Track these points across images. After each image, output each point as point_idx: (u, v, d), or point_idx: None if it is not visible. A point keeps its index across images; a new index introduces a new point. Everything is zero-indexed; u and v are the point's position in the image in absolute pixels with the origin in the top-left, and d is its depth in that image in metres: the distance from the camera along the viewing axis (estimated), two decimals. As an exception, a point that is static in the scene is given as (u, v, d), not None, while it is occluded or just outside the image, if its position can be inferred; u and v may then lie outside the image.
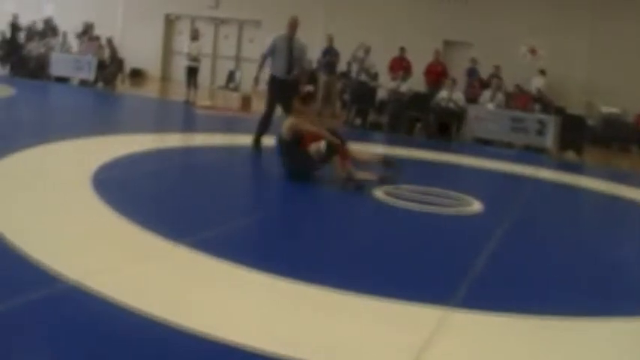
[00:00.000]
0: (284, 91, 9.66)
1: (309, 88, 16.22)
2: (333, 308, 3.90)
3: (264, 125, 9.69)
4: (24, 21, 21.17)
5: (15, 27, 20.68)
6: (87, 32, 20.56)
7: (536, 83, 16.81)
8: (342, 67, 17.19)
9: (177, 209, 6.09)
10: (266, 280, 4.19)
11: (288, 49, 9.65)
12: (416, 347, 3.41)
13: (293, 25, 9.75)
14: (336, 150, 7.62)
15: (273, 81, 9.75)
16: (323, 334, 3.52)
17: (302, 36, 9.88)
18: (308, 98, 8.73)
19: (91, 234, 4.87)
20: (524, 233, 6.62)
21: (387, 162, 8.38)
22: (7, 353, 2.95)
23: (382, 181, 7.83)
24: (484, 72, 17.40)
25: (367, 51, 16.22)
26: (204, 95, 17.90)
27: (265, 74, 9.89)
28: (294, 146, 7.74)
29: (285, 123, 7.92)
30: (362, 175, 7.78)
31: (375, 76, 16.55)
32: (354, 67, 16.28)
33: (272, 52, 9.72)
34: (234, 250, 4.71)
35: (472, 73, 17.22)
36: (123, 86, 19.35)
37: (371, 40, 17.20)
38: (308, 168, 7.78)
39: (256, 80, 10.04)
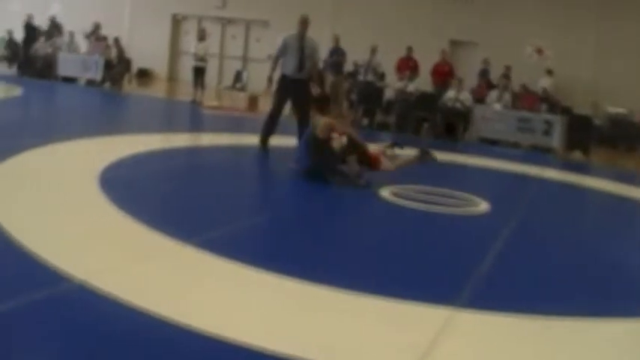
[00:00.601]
0: (295, 90, 9.69)
1: (315, 89, 16.29)
2: (338, 308, 3.90)
3: (271, 126, 9.67)
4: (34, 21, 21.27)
5: (29, 27, 20.78)
6: (94, 32, 20.62)
7: (543, 83, 16.77)
8: (348, 66, 17.18)
9: (183, 209, 6.10)
10: (271, 279, 4.19)
11: (300, 47, 9.62)
12: (421, 347, 3.41)
13: (304, 24, 9.73)
14: (355, 148, 7.75)
15: (284, 80, 9.74)
16: (327, 334, 3.53)
17: (313, 39, 9.88)
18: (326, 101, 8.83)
19: (98, 233, 4.89)
20: (530, 233, 6.62)
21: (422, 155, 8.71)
22: (11, 352, 2.97)
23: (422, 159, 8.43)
24: (491, 72, 17.39)
25: (374, 51, 16.22)
26: (212, 95, 17.92)
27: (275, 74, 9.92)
28: (325, 145, 7.74)
29: (320, 122, 7.87)
30: (399, 161, 7.92)
31: (382, 76, 16.55)
32: (362, 70, 16.30)
33: (283, 51, 9.70)
34: (240, 250, 4.72)
35: (484, 73, 17.15)
36: (130, 86, 19.40)
37: (377, 39, 17.21)
38: (333, 166, 7.76)
39: (269, 80, 10.04)
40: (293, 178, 8.00)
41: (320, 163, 7.73)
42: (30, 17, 21.00)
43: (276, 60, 9.87)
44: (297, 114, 9.92)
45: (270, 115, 9.78)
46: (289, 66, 9.65)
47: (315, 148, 7.75)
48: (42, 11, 22.14)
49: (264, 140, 9.67)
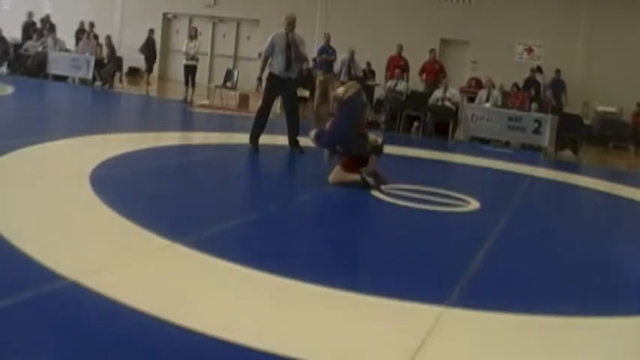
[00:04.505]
0: (284, 89, 9.75)
1: (301, 91, 16.22)
2: (330, 306, 3.91)
3: (260, 124, 9.66)
4: (23, 19, 21.19)
5: (28, 25, 20.80)
6: (84, 31, 20.55)
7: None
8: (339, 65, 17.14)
9: (175, 208, 6.10)
10: (263, 278, 4.20)
11: (287, 46, 9.62)
12: (413, 346, 3.42)
13: (292, 23, 9.71)
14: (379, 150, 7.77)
15: (272, 79, 9.73)
16: (319, 333, 3.54)
17: (299, 34, 9.88)
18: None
19: (89, 232, 4.89)
20: (520, 232, 6.65)
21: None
22: (3, 351, 2.97)
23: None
24: (482, 71, 17.45)
25: (352, 54, 15.93)
26: (203, 94, 17.89)
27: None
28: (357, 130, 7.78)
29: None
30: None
31: (362, 79, 16.33)
32: (343, 70, 16.07)
33: (271, 50, 9.69)
34: (234, 249, 4.73)
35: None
36: (120, 85, 19.34)
37: (368, 38, 17.22)
38: (358, 149, 7.70)
39: (259, 80, 10.04)
40: (284, 177, 8.00)
41: (351, 142, 7.68)
42: (30, 15, 21.05)
43: (265, 60, 9.84)
44: (286, 111, 9.99)
45: (258, 113, 9.77)
46: (277, 65, 9.65)
47: (356, 129, 7.72)
48: (33, 9, 22.05)
49: (254, 138, 9.66)
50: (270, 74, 9.76)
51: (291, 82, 9.84)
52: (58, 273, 3.85)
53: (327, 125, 7.97)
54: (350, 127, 7.69)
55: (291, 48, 9.64)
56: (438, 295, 4.18)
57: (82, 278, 3.79)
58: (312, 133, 7.98)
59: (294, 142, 9.82)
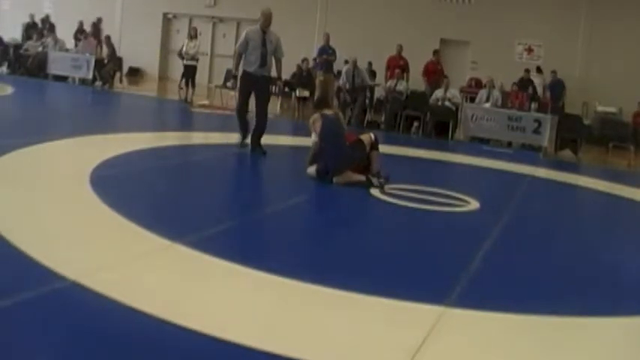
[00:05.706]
0: (257, 86, 9.43)
1: (304, 93, 16.19)
2: (330, 306, 3.91)
3: (244, 122, 9.54)
4: (23, 19, 21.22)
5: (29, 26, 20.85)
6: (83, 31, 20.56)
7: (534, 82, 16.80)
8: (339, 65, 17.14)
9: (175, 208, 6.09)
10: (263, 278, 4.20)
11: (262, 43, 9.33)
12: (413, 346, 3.42)
13: (268, 19, 9.37)
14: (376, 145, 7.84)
15: (246, 77, 9.47)
16: (320, 333, 3.54)
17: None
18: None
19: (89, 232, 4.88)
20: (520, 231, 6.65)
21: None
22: (3, 351, 2.96)
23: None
24: (482, 71, 17.45)
25: (354, 63, 15.54)
26: (203, 94, 17.88)
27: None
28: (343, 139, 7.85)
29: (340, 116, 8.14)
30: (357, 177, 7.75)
31: (365, 88, 16.20)
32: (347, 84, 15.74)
33: (245, 47, 9.39)
34: (233, 249, 4.73)
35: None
36: (121, 85, 19.34)
37: (368, 38, 17.19)
38: (362, 157, 7.76)
39: (234, 78, 9.87)
40: (284, 176, 7.99)
41: (353, 155, 7.71)
42: (32, 17, 21.07)
43: (239, 57, 9.57)
44: (256, 110, 9.56)
45: (238, 115, 9.60)
46: (251, 62, 9.36)
47: (337, 142, 7.77)
48: (33, 9, 22.07)
49: (244, 138, 9.57)
50: (244, 72, 9.45)
51: (264, 79, 9.53)
52: (58, 273, 3.85)
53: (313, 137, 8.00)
54: (339, 146, 7.72)
55: (267, 45, 9.34)
56: (438, 295, 4.18)
57: (82, 278, 3.79)
58: (312, 171, 7.81)
59: (257, 143, 9.45)
